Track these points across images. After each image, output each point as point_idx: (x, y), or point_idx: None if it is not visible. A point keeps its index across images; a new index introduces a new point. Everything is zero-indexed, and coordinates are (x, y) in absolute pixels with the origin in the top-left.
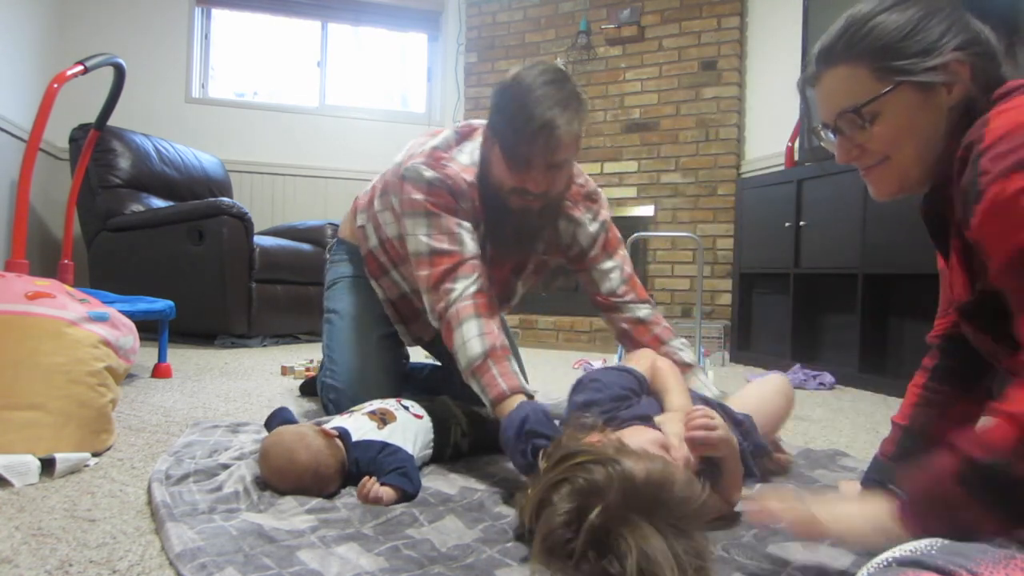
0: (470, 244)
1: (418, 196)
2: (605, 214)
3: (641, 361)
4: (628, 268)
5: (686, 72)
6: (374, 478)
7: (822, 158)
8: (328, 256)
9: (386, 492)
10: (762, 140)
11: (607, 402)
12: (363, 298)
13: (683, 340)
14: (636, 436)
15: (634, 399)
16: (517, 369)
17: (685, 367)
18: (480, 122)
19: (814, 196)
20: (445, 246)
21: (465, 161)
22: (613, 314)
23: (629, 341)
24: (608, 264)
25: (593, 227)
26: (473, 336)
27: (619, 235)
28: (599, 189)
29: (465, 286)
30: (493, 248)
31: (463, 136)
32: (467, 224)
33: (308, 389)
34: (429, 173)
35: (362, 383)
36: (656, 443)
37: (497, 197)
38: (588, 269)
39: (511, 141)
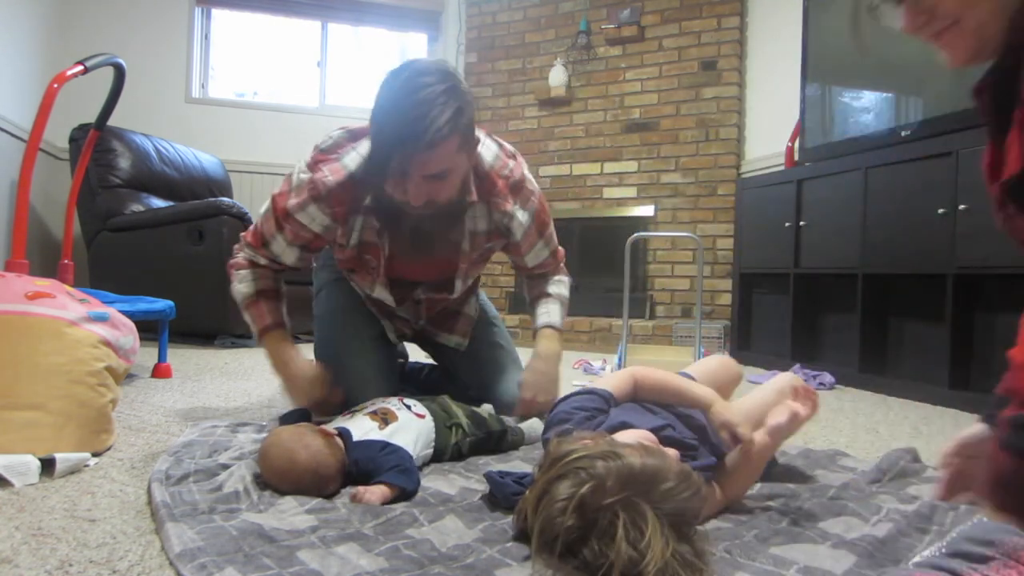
0: (275, 247)
1: (282, 191)
2: (535, 200)
3: (611, 379)
4: (554, 242)
5: (686, 72)
6: (365, 488)
7: (822, 158)
8: (314, 263)
9: (380, 491)
10: (762, 140)
11: (578, 424)
12: (346, 300)
13: (563, 279)
14: (626, 436)
15: (601, 416)
16: (285, 310)
17: (544, 296)
18: None
19: (814, 196)
20: (262, 232)
21: (350, 164)
22: (531, 281)
23: (528, 290)
24: (539, 245)
25: (524, 217)
26: (247, 280)
27: (548, 209)
28: (526, 175)
29: (256, 257)
30: (396, 251)
31: (358, 135)
32: (287, 237)
33: None
34: (298, 177)
35: (358, 386)
36: (646, 439)
37: (392, 203)
38: (523, 254)
39: (376, 158)
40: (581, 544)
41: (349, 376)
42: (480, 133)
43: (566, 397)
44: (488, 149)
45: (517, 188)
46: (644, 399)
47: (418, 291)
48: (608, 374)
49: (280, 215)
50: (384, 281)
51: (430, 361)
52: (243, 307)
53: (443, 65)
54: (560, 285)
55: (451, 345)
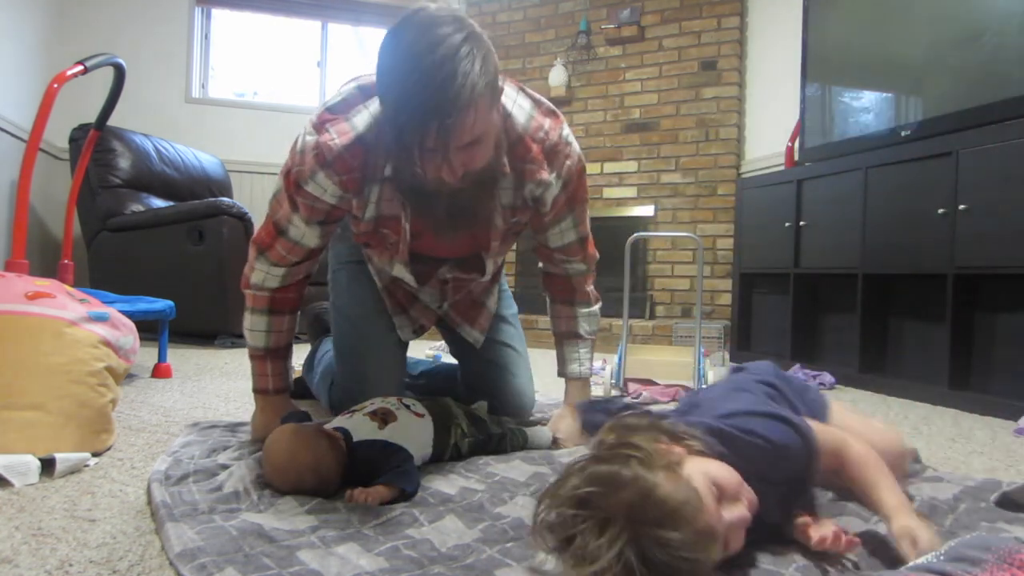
0: (293, 233)
1: (288, 162)
2: (571, 165)
3: (828, 434)
4: (586, 227)
5: (686, 72)
6: (363, 489)
7: (822, 158)
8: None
9: (378, 491)
10: (762, 140)
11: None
12: (365, 292)
13: (595, 309)
14: (701, 465)
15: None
16: (290, 367)
17: (576, 337)
18: None
19: (814, 196)
20: (276, 220)
21: (359, 125)
22: (550, 265)
23: (546, 288)
24: (567, 221)
25: (557, 184)
26: (261, 330)
27: (586, 183)
28: (564, 136)
29: (270, 274)
30: (426, 229)
31: (370, 91)
32: (303, 216)
33: (298, 390)
34: (303, 140)
35: (369, 388)
36: (711, 480)
37: (419, 182)
38: (545, 228)
39: (401, 141)
40: (568, 539)
41: (361, 381)
42: (511, 88)
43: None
44: (521, 109)
45: (553, 152)
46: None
47: (443, 269)
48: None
49: (292, 190)
50: (405, 258)
51: (425, 360)
52: (249, 353)
53: (452, 9)
54: (592, 320)
55: (469, 340)
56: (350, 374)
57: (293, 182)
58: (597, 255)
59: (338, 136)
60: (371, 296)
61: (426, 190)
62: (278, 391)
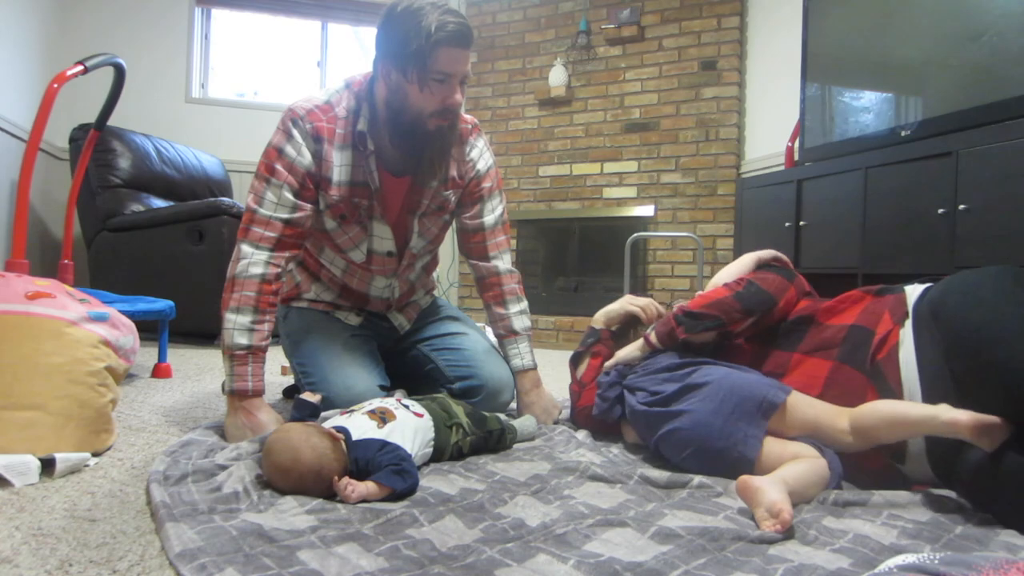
0: (266, 206)
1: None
2: (490, 154)
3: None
4: (503, 211)
5: (686, 72)
6: (350, 480)
7: (822, 158)
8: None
9: (367, 486)
10: (762, 140)
11: None
12: (315, 316)
13: (524, 306)
14: None
15: None
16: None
17: (512, 334)
18: (359, 74)
19: (814, 196)
20: (254, 193)
21: (324, 96)
22: (479, 261)
23: (481, 290)
24: (497, 198)
25: (488, 158)
26: (245, 327)
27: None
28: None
29: (252, 260)
30: (394, 186)
31: (352, 84)
32: (278, 181)
33: (292, 392)
34: (279, 120)
35: (346, 389)
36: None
37: (415, 126)
38: (478, 202)
39: (423, 61)
40: None
41: (337, 384)
42: None
43: None
44: None
45: (476, 129)
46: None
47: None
48: None
49: (272, 157)
50: (380, 215)
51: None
52: (230, 347)
53: None
54: (524, 318)
55: (395, 323)
56: (324, 380)
57: (273, 150)
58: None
59: (306, 102)
60: (325, 319)
61: (421, 135)
62: (257, 393)
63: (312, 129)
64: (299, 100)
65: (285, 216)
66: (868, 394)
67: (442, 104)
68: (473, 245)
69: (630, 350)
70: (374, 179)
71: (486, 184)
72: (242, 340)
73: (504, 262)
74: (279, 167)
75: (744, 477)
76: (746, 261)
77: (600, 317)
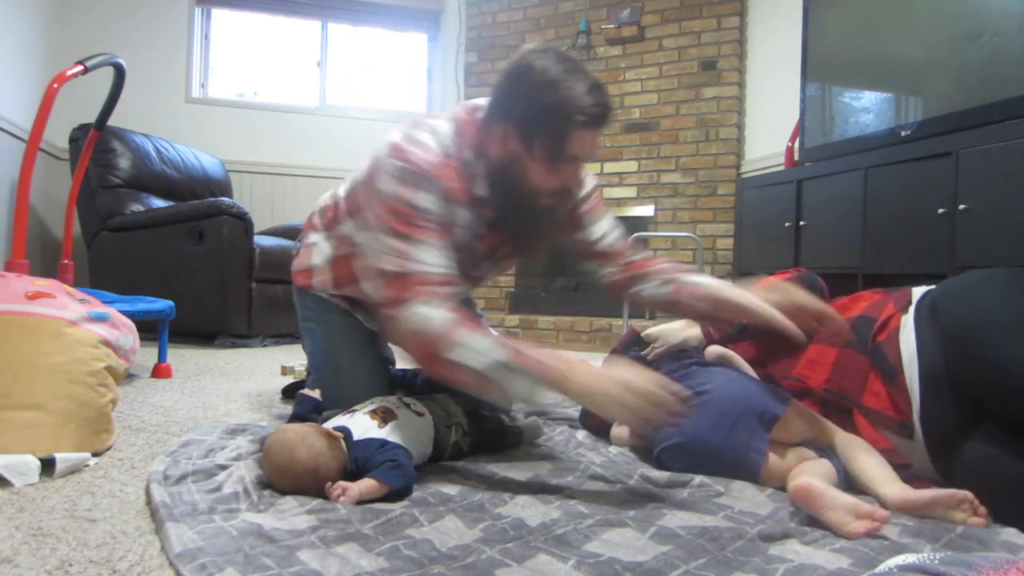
0: (439, 257)
1: (381, 209)
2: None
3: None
4: (608, 217)
5: (686, 72)
6: (344, 484)
7: (822, 158)
8: (296, 300)
9: (358, 489)
10: (762, 140)
11: None
12: (338, 324)
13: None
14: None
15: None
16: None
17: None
18: (478, 104)
19: (814, 196)
20: (396, 270)
21: (438, 145)
22: (604, 263)
23: (619, 291)
24: (605, 221)
25: (588, 183)
26: (488, 348)
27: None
28: None
29: (433, 314)
30: (506, 240)
31: (461, 124)
32: (438, 235)
33: (292, 392)
34: (397, 179)
35: (352, 399)
36: None
37: (526, 201)
38: (583, 227)
39: (558, 142)
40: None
41: (344, 393)
42: None
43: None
44: None
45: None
46: None
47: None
48: None
49: (406, 214)
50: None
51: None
52: (502, 366)
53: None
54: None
55: None
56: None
57: (407, 207)
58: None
59: (426, 152)
60: (347, 328)
61: (522, 202)
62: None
63: (444, 191)
64: (414, 146)
65: (446, 267)
66: (871, 377)
67: (564, 184)
68: (595, 252)
69: (683, 334)
70: (481, 240)
71: (585, 207)
72: (499, 354)
73: (616, 232)
74: (421, 224)
75: (802, 483)
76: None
77: (654, 332)
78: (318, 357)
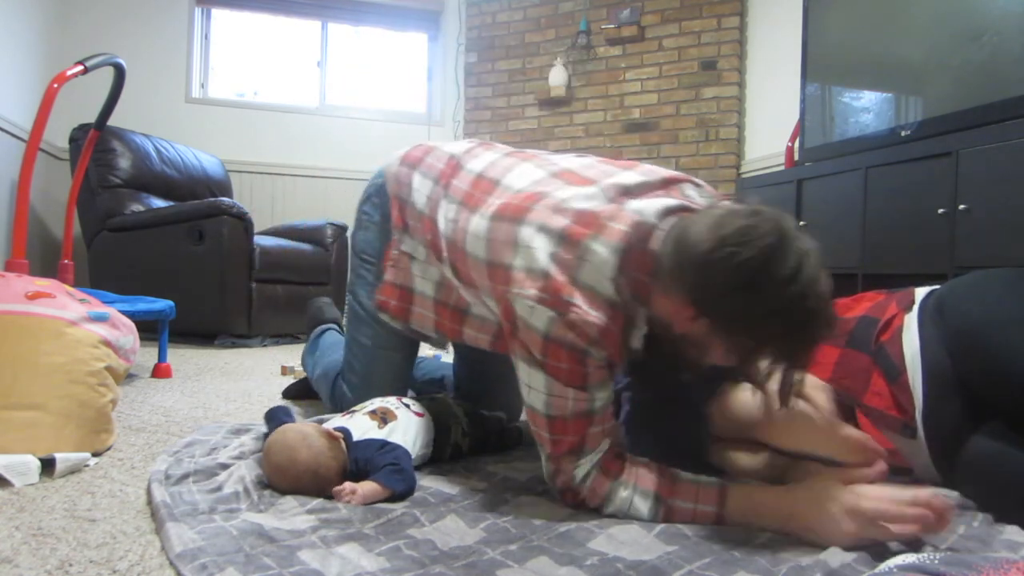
0: (598, 404)
1: (535, 351)
2: None
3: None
4: None
5: (686, 72)
6: (352, 484)
7: (822, 158)
8: (362, 209)
9: (369, 487)
10: (762, 140)
11: None
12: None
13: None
14: None
15: None
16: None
17: None
18: (644, 214)
19: (814, 196)
20: (568, 418)
21: (600, 287)
22: None
23: None
24: None
25: None
26: (638, 502)
27: None
28: None
29: (591, 461)
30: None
31: (641, 250)
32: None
33: (293, 392)
34: (554, 330)
35: (374, 390)
36: None
37: (675, 358)
38: None
39: (761, 349)
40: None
41: (370, 387)
42: None
43: None
44: None
45: None
46: None
47: None
48: None
49: (575, 362)
50: None
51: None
52: (668, 510)
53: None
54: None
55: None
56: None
57: (577, 366)
58: None
59: (590, 308)
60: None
61: (678, 361)
62: (722, 486)
63: (605, 358)
64: (574, 292)
65: (605, 401)
66: (873, 377)
67: (720, 363)
68: None
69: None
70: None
71: None
72: (646, 507)
73: None
74: (590, 370)
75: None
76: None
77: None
78: (358, 363)
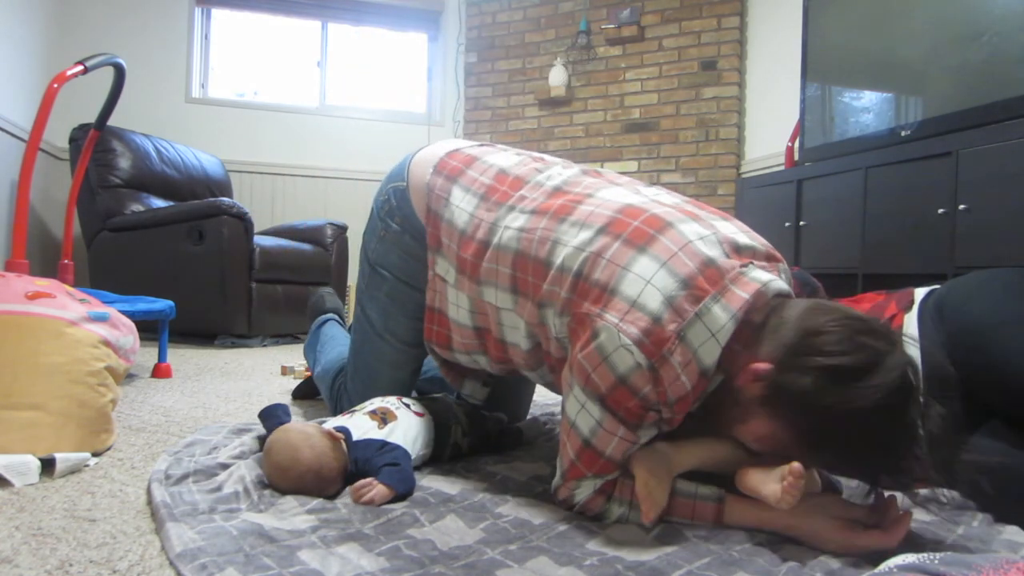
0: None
1: (602, 386)
2: None
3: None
4: None
5: (686, 72)
6: (373, 481)
7: (822, 158)
8: (380, 216)
9: (380, 492)
10: (762, 140)
11: None
12: (406, 309)
13: None
14: None
15: None
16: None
17: None
18: (770, 294)
19: (814, 196)
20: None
21: (705, 356)
22: None
23: None
24: None
25: None
26: (633, 519)
27: None
28: None
29: (593, 485)
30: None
31: (747, 321)
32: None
33: (302, 392)
34: (634, 378)
35: (375, 393)
36: None
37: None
38: None
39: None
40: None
41: (372, 391)
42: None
43: None
44: None
45: None
46: None
47: None
48: None
49: (641, 411)
50: None
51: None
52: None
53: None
54: None
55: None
56: (362, 393)
57: (642, 407)
58: None
59: (685, 373)
60: (412, 312)
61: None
62: (718, 494)
63: (671, 411)
64: (676, 367)
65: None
66: None
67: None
68: None
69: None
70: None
71: None
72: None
73: None
74: (647, 414)
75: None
76: None
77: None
78: (359, 380)
